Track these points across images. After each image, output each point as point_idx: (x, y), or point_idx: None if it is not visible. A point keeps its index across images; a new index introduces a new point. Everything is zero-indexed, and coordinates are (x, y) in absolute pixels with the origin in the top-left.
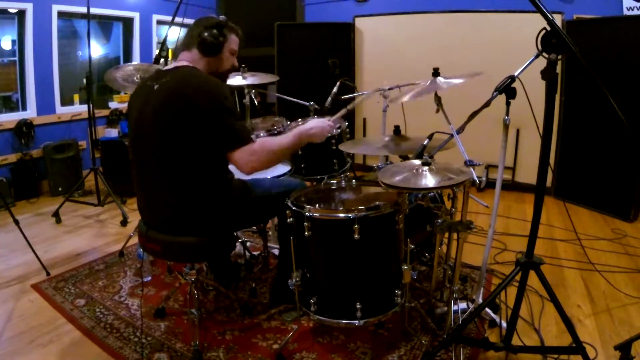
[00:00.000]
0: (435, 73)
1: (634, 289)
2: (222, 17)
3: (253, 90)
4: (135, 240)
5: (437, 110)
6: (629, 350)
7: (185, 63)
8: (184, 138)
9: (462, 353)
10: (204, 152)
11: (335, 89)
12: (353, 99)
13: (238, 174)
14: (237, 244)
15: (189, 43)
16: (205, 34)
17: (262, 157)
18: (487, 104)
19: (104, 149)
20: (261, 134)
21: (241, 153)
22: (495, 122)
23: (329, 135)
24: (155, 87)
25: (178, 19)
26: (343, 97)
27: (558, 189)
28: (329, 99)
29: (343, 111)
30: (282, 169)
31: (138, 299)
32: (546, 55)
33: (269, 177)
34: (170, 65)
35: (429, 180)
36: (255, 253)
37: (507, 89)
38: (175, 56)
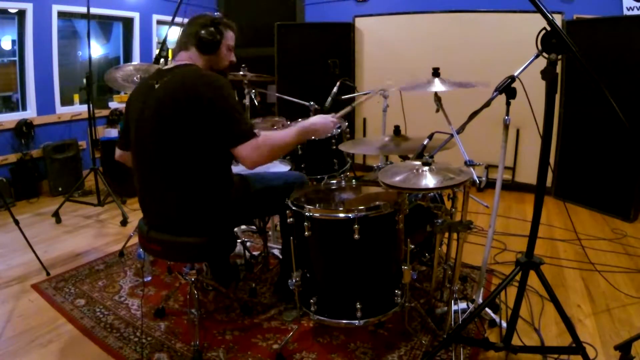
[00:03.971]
0: (435, 73)
1: (634, 289)
2: (217, 13)
3: (253, 90)
4: (135, 240)
5: (437, 110)
6: (629, 350)
7: (184, 62)
8: (185, 134)
9: (462, 353)
10: (206, 148)
11: (335, 89)
12: (353, 99)
13: (236, 169)
14: (237, 243)
15: (186, 42)
16: (202, 32)
17: (265, 152)
18: (487, 104)
19: (104, 149)
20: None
21: (245, 148)
22: (495, 122)
23: (332, 133)
24: (156, 85)
25: (178, 19)
26: (343, 97)
27: (558, 189)
28: (329, 99)
29: (348, 108)
30: (282, 168)
31: (138, 299)
32: (546, 55)
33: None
34: (170, 65)
35: (429, 181)
36: (255, 253)
37: (507, 89)
38: (173, 56)
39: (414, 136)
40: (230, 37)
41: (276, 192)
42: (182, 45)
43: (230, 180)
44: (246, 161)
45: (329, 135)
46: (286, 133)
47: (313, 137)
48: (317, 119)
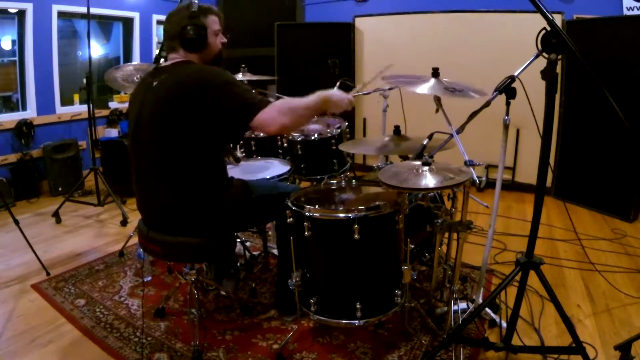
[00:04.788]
0: (435, 73)
1: (634, 289)
2: (192, 2)
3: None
4: (135, 240)
5: (437, 110)
6: (629, 350)
7: (179, 59)
8: (184, 132)
9: (462, 353)
10: (204, 146)
11: (335, 89)
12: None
13: (238, 175)
14: (237, 243)
15: (172, 45)
16: (184, 32)
17: (286, 112)
18: (487, 104)
19: (104, 149)
20: (261, 134)
21: (263, 115)
22: (495, 122)
23: (346, 109)
24: (154, 83)
25: None
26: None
27: (558, 189)
28: None
29: (359, 86)
30: (282, 168)
31: (138, 299)
32: (546, 55)
33: (268, 177)
34: (166, 63)
35: (429, 181)
36: (255, 253)
37: (507, 89)
38: (166, 58)
39: (414, 136)
40: (213, 21)
41: (277, 200)
42: (169, 49)
43: (226, 182)
44: (270, 124)
45: (343, 110)
46: (304, 98)
47: (326, 111)
48: (334, 91)
